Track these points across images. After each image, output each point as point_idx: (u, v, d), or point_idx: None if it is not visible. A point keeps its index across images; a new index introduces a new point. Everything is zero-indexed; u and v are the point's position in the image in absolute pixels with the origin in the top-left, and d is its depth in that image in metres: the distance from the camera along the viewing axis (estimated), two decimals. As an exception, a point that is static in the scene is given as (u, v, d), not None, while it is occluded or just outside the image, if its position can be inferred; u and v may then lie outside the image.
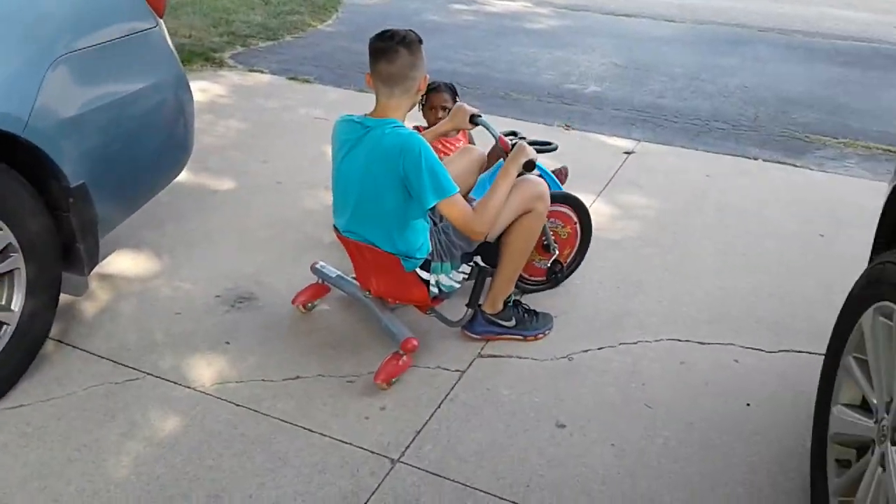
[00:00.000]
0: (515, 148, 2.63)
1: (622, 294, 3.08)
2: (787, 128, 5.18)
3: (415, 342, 2.48)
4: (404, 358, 2.48)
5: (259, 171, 4.06)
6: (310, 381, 2.49)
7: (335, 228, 2.62)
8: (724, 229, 3.68)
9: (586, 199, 3.52)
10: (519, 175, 2.57)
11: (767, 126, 5.21)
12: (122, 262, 3.10)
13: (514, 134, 2.92)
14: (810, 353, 2.70)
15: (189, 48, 6.05)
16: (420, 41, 2.43)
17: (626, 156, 4.51)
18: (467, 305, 2.66)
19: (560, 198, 2.96)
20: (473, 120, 2.75)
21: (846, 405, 1.97)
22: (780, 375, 2.63)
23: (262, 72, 5.86)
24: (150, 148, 2.82)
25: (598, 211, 3.70)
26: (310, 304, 2.84)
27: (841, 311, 2.05)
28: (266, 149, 4.35)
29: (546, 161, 3.09)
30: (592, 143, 4.76)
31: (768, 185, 4.24)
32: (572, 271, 3.13)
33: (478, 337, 2.72)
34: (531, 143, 2.74)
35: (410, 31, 2.43)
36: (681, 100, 5.70)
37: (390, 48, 2.37)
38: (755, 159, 4.62)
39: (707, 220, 3.77)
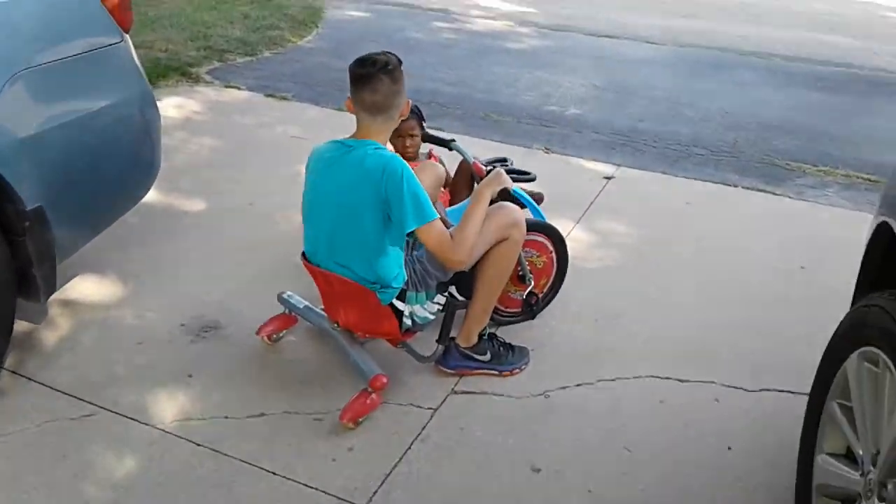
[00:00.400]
0: (491, 174, 2.57)
1: (600, 327, 3.00)
2: (766, 154, 5.15)
3: (384, 380, 2.38)
4: (373, 396, 2.38)
5: (232, 191, 3.96)
6: (275, 418, 2.38)
7: (303, 256, 2.52)
8: (703, 259, 3.62)
9: (565, 226, 3.47)
10: (492, 202, 2.50)
11: (747, 152, 5.17)
12: (84, 287, 2.98)
13: (503, 161, 2.86)
14: (791, 392, 2.64)
15: (165, 63, 5.94)
16: (400, 63, 2.36)
17: (605, 181, 4.45)
18: (437, 341, 2.57)
19: (535, 226, 2.88)
20: (448, 145, 2.70)
21: (831, 454, 1.90)
22: (761, 415, 2.56)
23: (238, 88, 5.75)
24: (114, 168, 2.72)
25: (577, 238, 3.63)
26: (275, 336, 2.74)
27: (824, 355, 1.99)
28: (240, 168, 4.25)
29: (524, 188, 3.03)
30: (572, 167, 4.70)
31: (748, 214, 4.20)
32: (548, 302, 3.05)
33: (452, 372, 2.63)
34: (508, 172, 2.67)
35: (390, 54, 2.36)
36: (661, 124, 5.66)
37: (372, 76, 2.29)
38: (735, 186, 4.57)
39: (687, 248, 3.72)
